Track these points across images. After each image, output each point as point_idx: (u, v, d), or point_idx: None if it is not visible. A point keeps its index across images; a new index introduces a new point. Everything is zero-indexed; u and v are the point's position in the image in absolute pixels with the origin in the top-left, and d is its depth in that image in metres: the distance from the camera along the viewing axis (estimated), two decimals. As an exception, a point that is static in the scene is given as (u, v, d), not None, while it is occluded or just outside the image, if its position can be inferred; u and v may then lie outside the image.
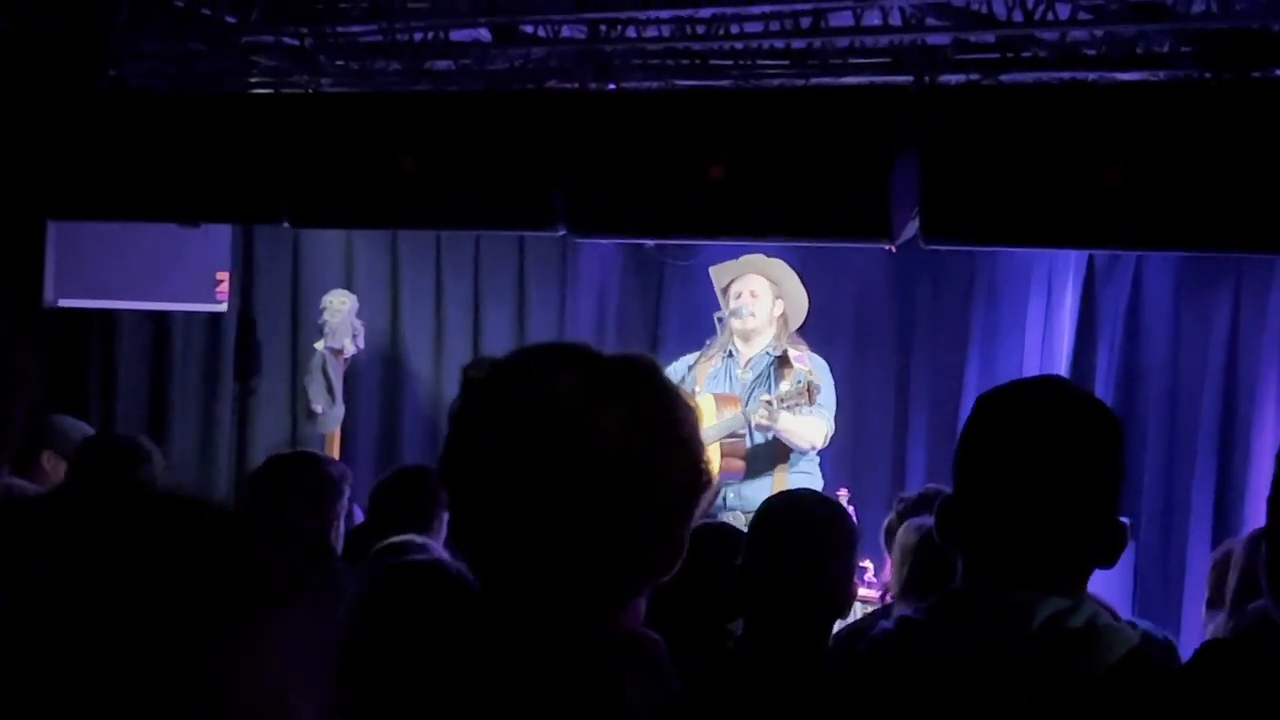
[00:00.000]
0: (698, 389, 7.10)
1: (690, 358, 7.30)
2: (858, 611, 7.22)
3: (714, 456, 6.86)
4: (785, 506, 3.59)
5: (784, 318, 7.22)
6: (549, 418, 1.67)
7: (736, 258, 7.33)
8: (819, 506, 3.60)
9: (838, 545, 3.42)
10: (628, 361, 1.76)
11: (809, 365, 6.98)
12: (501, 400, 1.71)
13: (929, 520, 4.22)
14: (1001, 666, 2.10)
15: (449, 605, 1.73)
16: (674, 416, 1.73)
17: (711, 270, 7.44)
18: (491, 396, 1.72)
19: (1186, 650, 3.77)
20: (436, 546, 4.22)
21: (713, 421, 6.91)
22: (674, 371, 7.16)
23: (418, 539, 4.22)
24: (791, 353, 7.07)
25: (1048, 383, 2.31)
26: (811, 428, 6.88)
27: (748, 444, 7.03)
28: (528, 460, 1.67)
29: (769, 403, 6.72)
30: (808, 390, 6.71)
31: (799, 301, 7.26)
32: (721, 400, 7.07)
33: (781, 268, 7.26)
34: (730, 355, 7.21)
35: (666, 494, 1.71)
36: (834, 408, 7.01)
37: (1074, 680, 2.07)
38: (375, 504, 5.05)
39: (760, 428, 6.84)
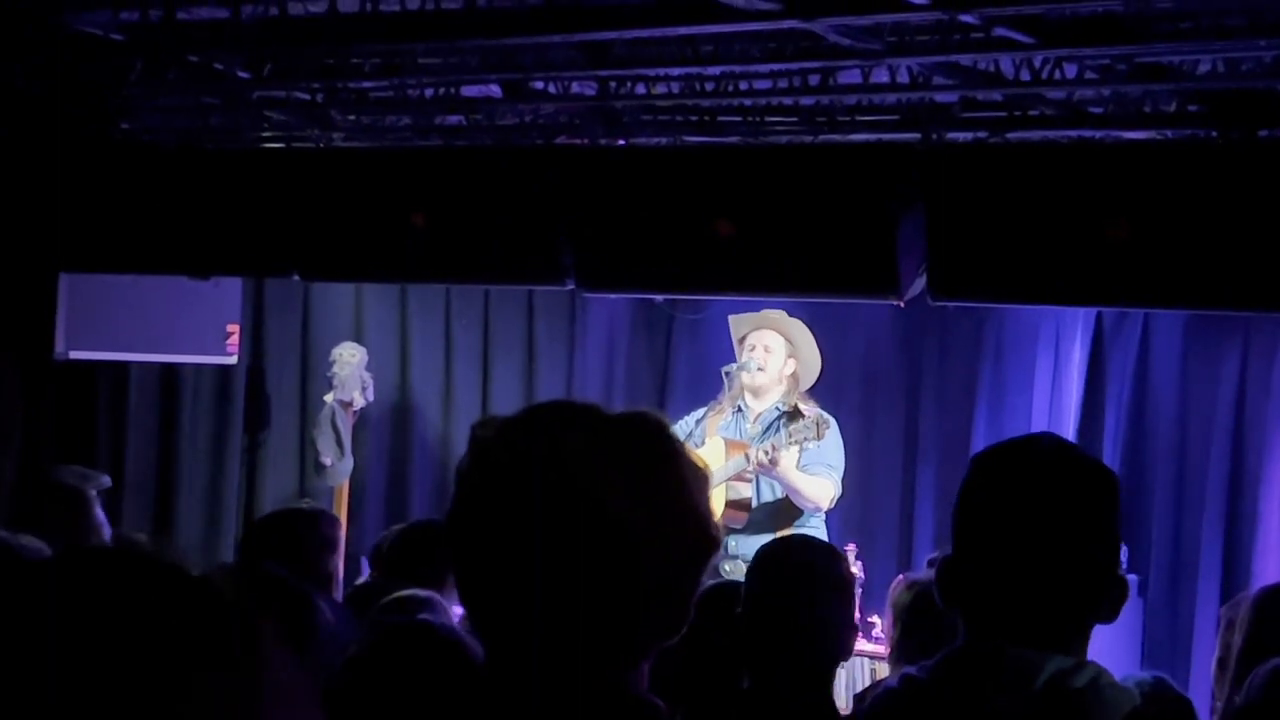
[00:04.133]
0: (708, 439, 7.11)
1: (699, 412, 7.31)
2: (867, 667, 7.25)
3: (718, 500, 6.86)
4: (778, 552, 3.59)
5: (795, 376, 7.22)
6: (555, 478, 1.67)
7: (754, 309, 7.34)
8: (811, 550, 3.59)
9: (831, 587, 3.41)
10: (635, 420, 1.76)
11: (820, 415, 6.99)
12: (508, 460, 1.71)
13: (919, 575, 4.21)
14: (1006, 726, 2.10)
15: (445, 668, 1.73)
16: (680, 476, 1.73)
17: (730, 319, 7.45)
18: (498, 456, 1.72)
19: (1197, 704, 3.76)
20: (442, 602, 4.21)
21: (721, 465, 6.91)
22: (683, 426, 7.17)
23: (422, 594, 4.21)
24: (802, 406, 7.07)
25: (1044, 440, 2.32)
26: (818, 487, 6.87)
27: (753, 498, 7.02)
28: (533, 520, 1.67)
29: (772, 446, 6.73)
30: (816, 424, 6.71)
31: (812, 362, 7.26)
32: (731, 445, 7.08)
33: (798, 327, 7.26)
34: (740, 410, 7.21)
35: (673, 554, 1.71)
36: (842, 469, 7.00)
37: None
38: (384, 558, 5.04)
39: (761, 468, 6.82)
